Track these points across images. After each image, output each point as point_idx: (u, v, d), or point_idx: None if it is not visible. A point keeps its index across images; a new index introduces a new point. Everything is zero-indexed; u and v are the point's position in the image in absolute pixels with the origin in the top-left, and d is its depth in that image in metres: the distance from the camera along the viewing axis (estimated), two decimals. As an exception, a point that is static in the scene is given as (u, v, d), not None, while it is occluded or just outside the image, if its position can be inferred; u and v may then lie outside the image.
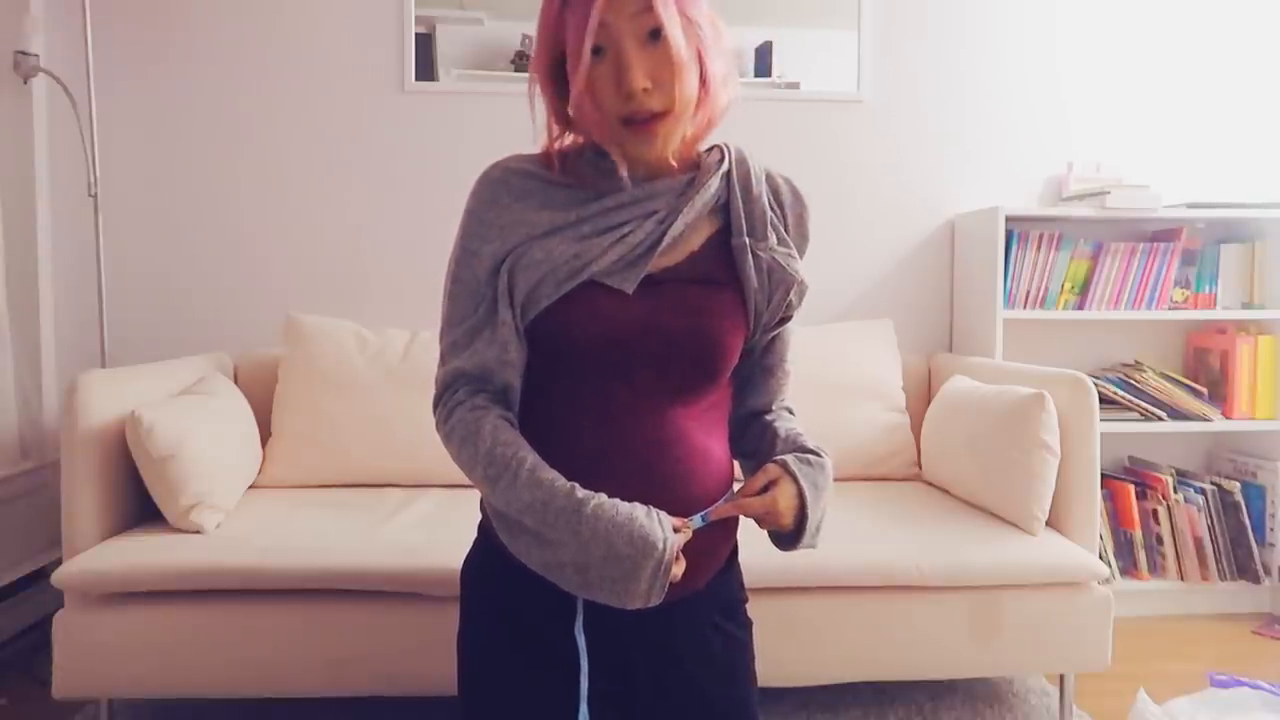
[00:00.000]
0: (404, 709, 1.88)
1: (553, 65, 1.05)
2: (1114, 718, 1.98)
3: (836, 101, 2.77)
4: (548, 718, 1.07)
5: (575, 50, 0.99)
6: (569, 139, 1.11)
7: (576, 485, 0.99)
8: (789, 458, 1.08)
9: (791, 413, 1.23)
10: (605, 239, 1.03)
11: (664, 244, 1.05)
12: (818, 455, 1.11)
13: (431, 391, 1.11)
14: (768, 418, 1.20)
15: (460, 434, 1.04)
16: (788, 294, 1.10)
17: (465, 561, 1.18)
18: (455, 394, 1.06)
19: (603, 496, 0.99)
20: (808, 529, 1.08)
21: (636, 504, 0.99)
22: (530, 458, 1.01)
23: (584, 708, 1.07)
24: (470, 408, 1.04)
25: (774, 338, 1.19)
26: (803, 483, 1.06)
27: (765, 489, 1.06)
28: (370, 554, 1.76)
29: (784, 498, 1.06)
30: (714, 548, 1.11)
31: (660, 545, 0.96)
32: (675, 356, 1.04)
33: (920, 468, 2.42)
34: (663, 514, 0.99)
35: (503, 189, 1.07)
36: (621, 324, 1.03)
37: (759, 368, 1.20)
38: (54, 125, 2.53)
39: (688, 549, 1.02)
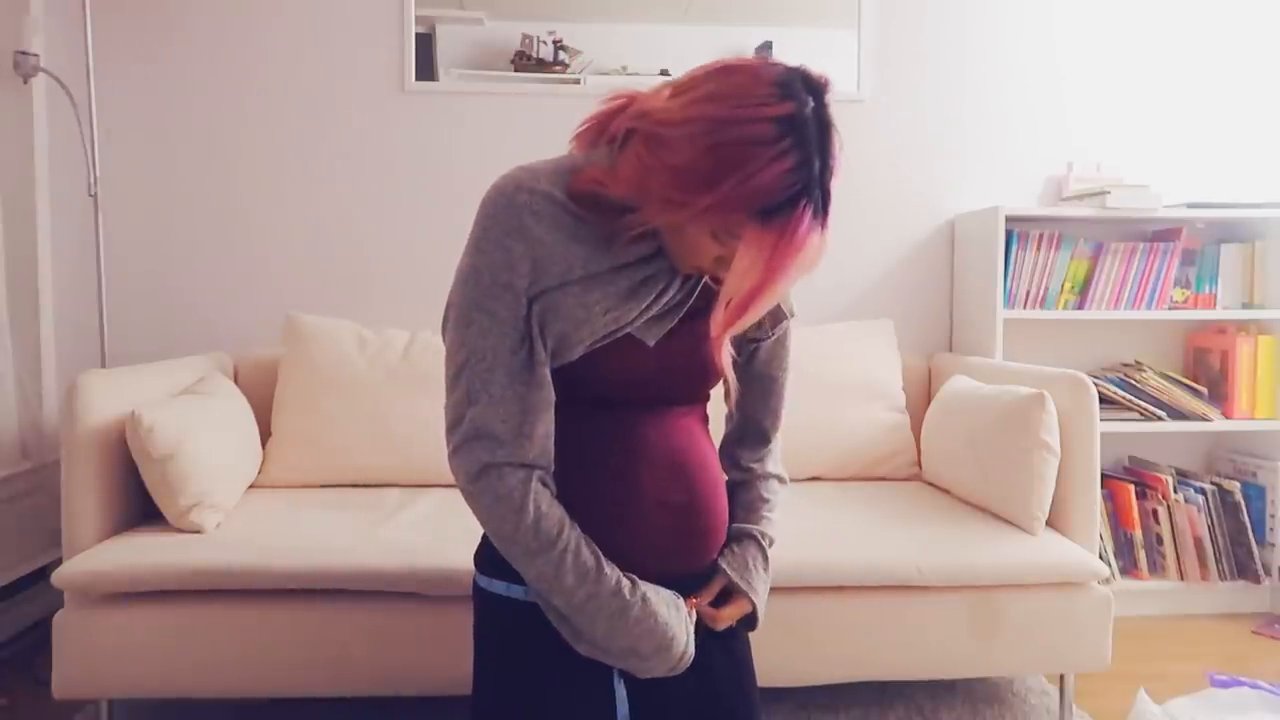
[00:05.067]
0: (404, 709, 1.88)
1: (689, 167, 0.90)
2: (1114, 718, 1.98)
3: (836, 101, 2.74)
4: None
5: (725, 229, 0.92)
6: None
7: (620, 577, 1.03)
8: (737, 578, 1.16)
9: (782, 479, 1.29)
10: (641, 298, 1.03)
11: (691, 300, 1.08)
12: (764, 547, 1.20)
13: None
14: (755, 483, 1.25)
15: (497, 497, 1.01)
16: (777, 323, 1.18)
17: (486, 597, 1.15)
18: (494, 449, 1.01)
19: (644, 593, 1.03)
20: (758, 621, 1.20)
21: (673, 606, 1.05)
22: (575, 536, 1.03)
23: None
24: (512, 472, 1.01)
25: (776, 347, 1.23)
26: (755, 600, 1.17)
27: (724, 593, 1.17)
28: (370, 554, 1.76)
29: (738, 612, 1.17)
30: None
31: (680, 653, 1.05)
32: (683, 384, 1.12)
33: (920, 468, 2.42)
34: (690, 620, 1.08)
35: (531, 218, 1.00)
36: (640, 365, 1.07)
37: (764, 375, 1.24)
38: (54, 125, 2.53)
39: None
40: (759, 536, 1.20)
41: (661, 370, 1.08)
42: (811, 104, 0.91)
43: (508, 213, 1.01)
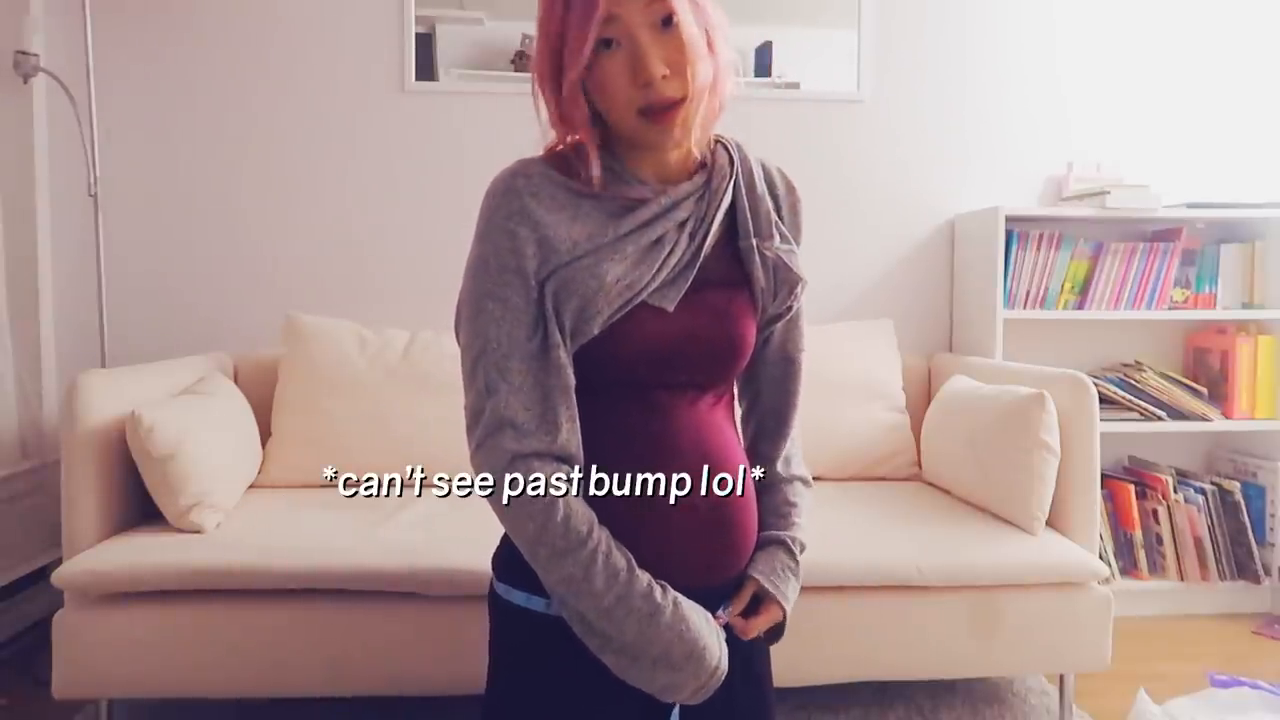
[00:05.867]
0: (404, 709, 1.88)
1: (556, 65, 1.01)
2: (1114, 718, 1.98)
3: (836, 101, 2.77)
4: None
5: (578, 41, 0.96)
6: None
7: (652, 580, 1.00)
8: (767, 583, 1.12)
9: (806, 482, 1.24)
10: (651, 262, 1.03)
11: (700, 260, 1.06)
12: (794, 553, 1.16)
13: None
14: (780, 487, 1.21)
15: (526, 491, 0.98)
16: (791, 292, 1.14)
17: (504, 607, 1.11)
18: (520, 438, 0.98)
19: (676, 598, 1.00)
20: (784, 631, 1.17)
21: (705, 619, 1.02)
22: (605, 536, 0.99)
23: None
24: (541, 465, 0.99)
25: (790, 327, 1.20)
26: (785, 606, 1.13)
27: (754, 601, 1.12)
28: (370, 554, 1.76)
29: (769, 621, 1.13)
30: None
31: (714, 668, 1.01)
32: (708, 360, 1.08)
33: (920, 468, 2.42)
34: (722, 632, 1.04)
35: (532, 201, 1.01)
36: (661, 337, 1.04)
37: (780, 358, 1.21)
38: (54, 125, 2.53)
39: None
40: (789, 542, 1.16)
41: (685, 342, 1.05)
42: None
43: (507, 198, 1.02)
